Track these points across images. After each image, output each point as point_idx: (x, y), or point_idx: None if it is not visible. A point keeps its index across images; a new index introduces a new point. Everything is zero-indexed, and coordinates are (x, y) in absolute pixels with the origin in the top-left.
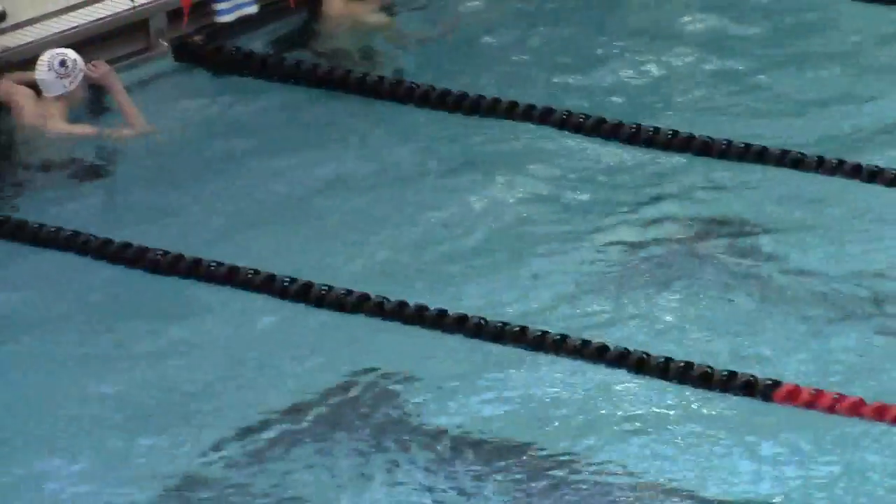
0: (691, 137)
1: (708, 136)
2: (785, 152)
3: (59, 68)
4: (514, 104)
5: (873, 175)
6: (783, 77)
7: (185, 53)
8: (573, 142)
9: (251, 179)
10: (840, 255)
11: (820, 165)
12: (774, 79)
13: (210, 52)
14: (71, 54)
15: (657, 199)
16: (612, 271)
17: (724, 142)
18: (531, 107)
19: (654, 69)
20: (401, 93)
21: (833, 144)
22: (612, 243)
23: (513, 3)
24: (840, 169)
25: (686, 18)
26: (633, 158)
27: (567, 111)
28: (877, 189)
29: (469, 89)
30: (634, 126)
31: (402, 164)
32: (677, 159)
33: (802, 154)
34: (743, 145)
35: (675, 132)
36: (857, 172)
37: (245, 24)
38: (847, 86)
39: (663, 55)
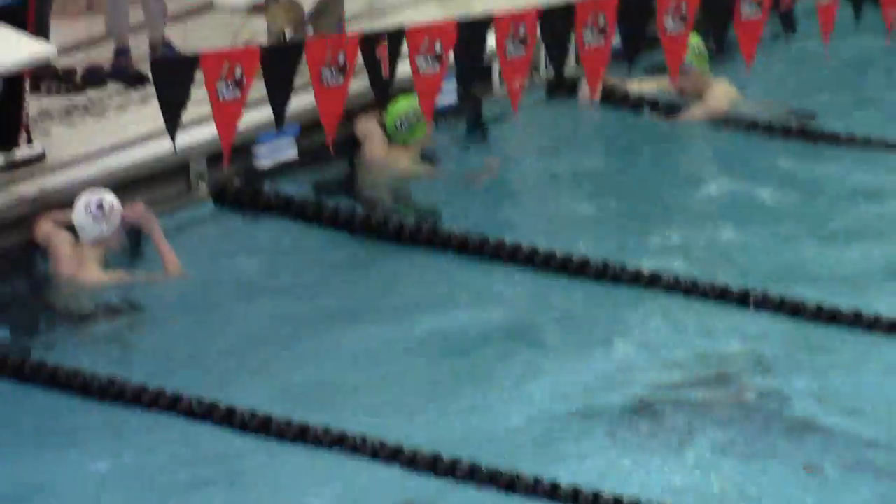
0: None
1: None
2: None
3: (95, 211)
4: (559, 257)
5: (872, 323)
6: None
7: (225, 197)
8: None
9: (289, 328)
10: (851, 407)
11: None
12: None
13: (249, 197)
14: (108, 197)
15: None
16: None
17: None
18: (567, 258)
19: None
20: (439, 241)
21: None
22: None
23: (562, 149)
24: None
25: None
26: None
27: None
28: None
29: (516, 239)
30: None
31: (442, 320)
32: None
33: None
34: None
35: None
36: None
37: (285, 169)
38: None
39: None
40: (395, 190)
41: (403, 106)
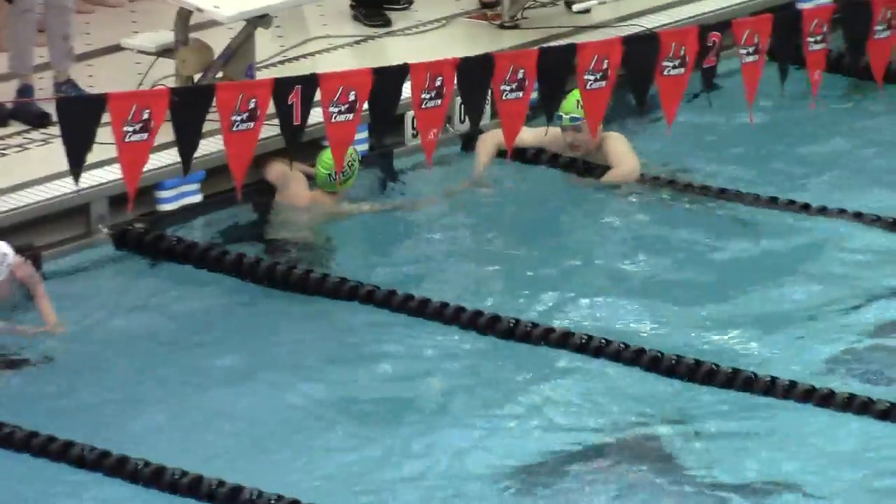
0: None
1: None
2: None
3: None
4: (463, 310)
5: (864, 406)
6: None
7: (126, 241)
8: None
9: (187, 378)
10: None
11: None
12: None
13: (151, 241)
14: (1, 247)
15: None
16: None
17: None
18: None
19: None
20: (345, 293)
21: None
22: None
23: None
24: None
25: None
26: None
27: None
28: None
29: (424, 293)
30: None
31: (343, 371)
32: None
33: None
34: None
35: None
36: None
37: (189, 212)
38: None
39: (647, 265)
40: (308, 234)
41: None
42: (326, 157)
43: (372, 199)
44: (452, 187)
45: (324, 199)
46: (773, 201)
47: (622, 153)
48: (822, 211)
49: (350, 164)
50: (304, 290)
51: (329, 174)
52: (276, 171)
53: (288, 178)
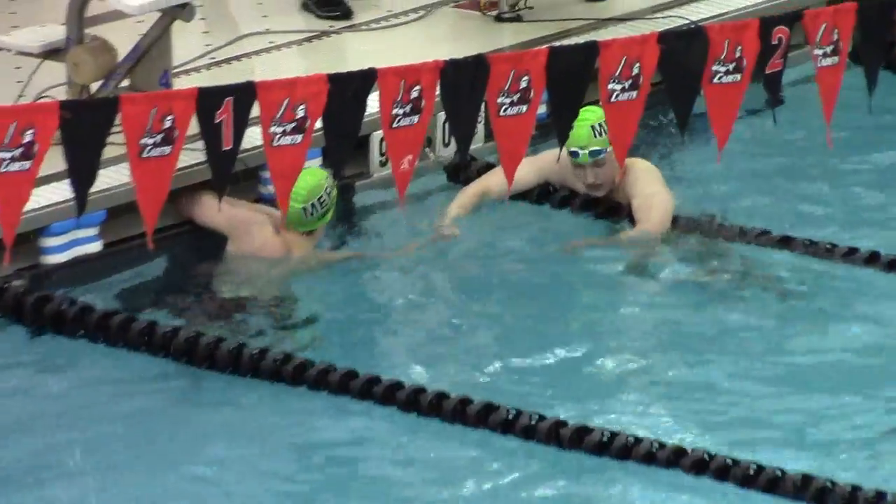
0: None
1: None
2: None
3: None
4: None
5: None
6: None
7: (2, 303)
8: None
9: (79, 482)
10: None
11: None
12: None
13: (33, 304)
14: None
15: None
16: None
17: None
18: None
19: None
20: (287, 373)
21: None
22: None
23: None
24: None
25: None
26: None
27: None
28: None
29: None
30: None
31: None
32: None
33: None
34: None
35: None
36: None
37: (84, 266)
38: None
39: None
40: (284, 290)
41: (314, 182)
42: (306, 185)
43: (350, 244)
44: (409, 244)
45: (299, 244)
46: (852, 254)
47: (651, 196)
48: None
49: (326, 191)
50: (234, 368)
51: (303, 208)
52: (227, 213)
53: (246, 222)
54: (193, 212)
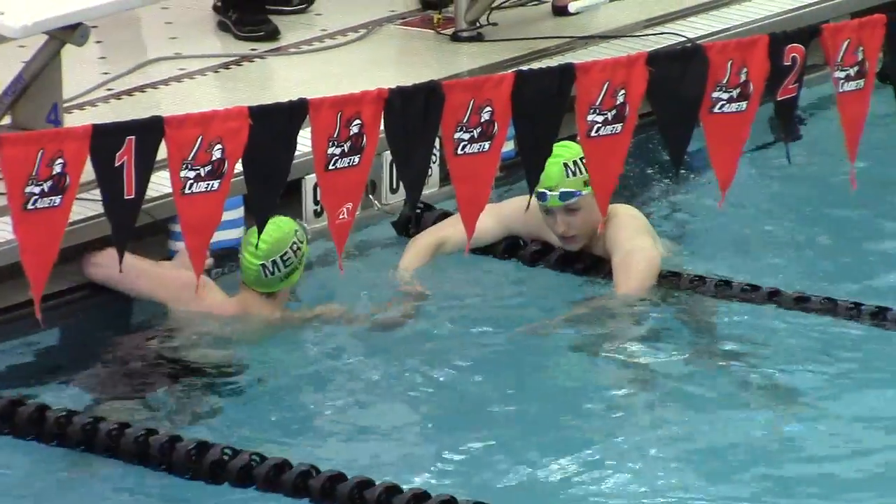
0: None
1: None
2: None
3: None
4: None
5: None
6: None
7: None
8: None
9: None
10: None
11: None
12: None
13: None
14: None
15: None
16: None
17: None
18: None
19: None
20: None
21: None
22: None
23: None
24: None
25: None
26: None
27: None
28: None
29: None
30: None
31: None
32: None
33: None
34: None
35: None
36: None
37: None
38: None
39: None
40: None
41: (278, 235)
42: (254, 237)
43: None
44: (384, 303)
45: (259, 305)
46: (882, 316)
47: (631, 252)
48: None
49: (293, 247)
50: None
51: (262, 265)
52: (155, 277)
53: (185, 285)
54: (107, 276)
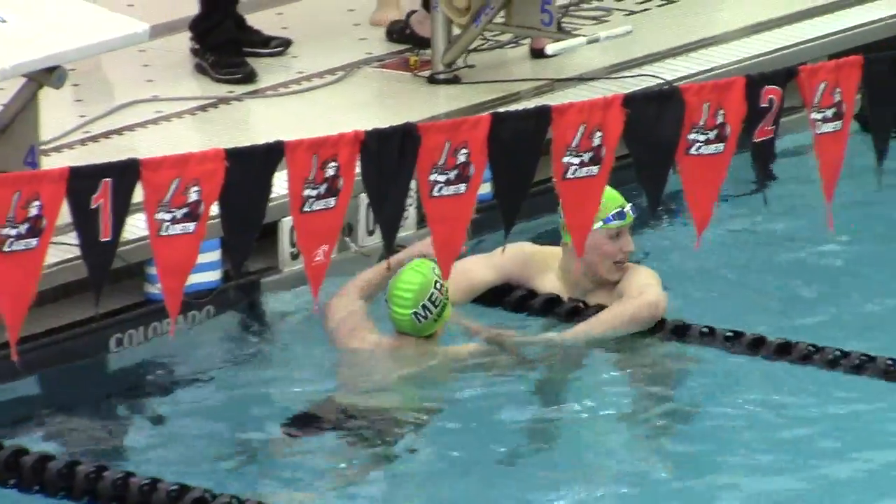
0: None
1: None
2: None
3: None
4: None
5: None
6: None
7: None
8: None
9: None
10: None
11: None
12: None
13: None
14: None
15: None
16: None
17: None
18: None
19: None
20: None
21: None
22: None
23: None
24: None
25: None
26: None
27: None
28: None
29: None
30: None
31: None
32: None
33: None
34: None
35: None
36: None
37: None
38: None
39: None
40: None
41: (419, 280)
42: (411, 284)
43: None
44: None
45: (418, 345)
46: (870, 363)
47: (646, 286)
48: None
49: (437, 286)
50: None
51: (414, 314)
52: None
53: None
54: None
